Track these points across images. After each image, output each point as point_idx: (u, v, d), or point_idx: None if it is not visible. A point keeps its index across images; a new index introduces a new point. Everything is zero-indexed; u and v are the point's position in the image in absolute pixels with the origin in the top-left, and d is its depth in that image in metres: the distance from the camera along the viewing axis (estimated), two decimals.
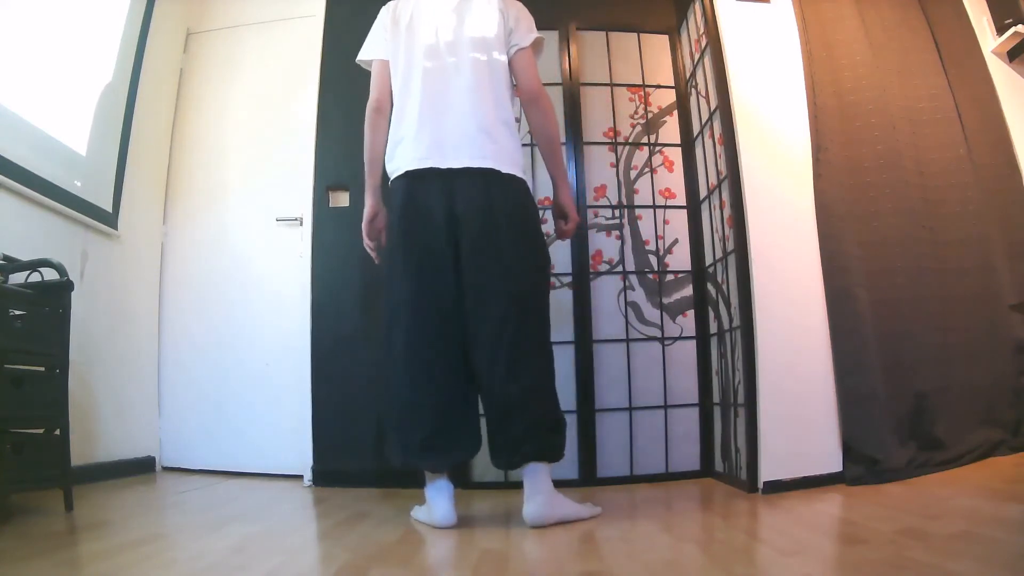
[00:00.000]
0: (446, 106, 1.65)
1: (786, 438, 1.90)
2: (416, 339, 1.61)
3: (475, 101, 1.65)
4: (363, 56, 1.80)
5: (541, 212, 1.98)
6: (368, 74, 1.80)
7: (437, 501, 1.59)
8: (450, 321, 1.61)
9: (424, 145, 1.63)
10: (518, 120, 1.78)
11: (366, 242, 1.78)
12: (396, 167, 1.68)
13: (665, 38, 2.55)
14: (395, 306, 1.65)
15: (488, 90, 1.67)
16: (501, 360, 1.58)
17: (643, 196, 2.42)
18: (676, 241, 2.41)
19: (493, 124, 1.65)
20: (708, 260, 2.33)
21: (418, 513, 1.67)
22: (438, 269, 1.61)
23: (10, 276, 1.71)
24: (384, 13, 1.80)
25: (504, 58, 1.71)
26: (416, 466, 1.63)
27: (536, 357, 1.63)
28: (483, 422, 1.66)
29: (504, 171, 1.64)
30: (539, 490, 1.56)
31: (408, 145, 1.66)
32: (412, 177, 1.64)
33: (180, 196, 2.75)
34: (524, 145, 1.80)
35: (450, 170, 1.62)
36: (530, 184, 1.84)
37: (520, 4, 1.80)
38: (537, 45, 1.77)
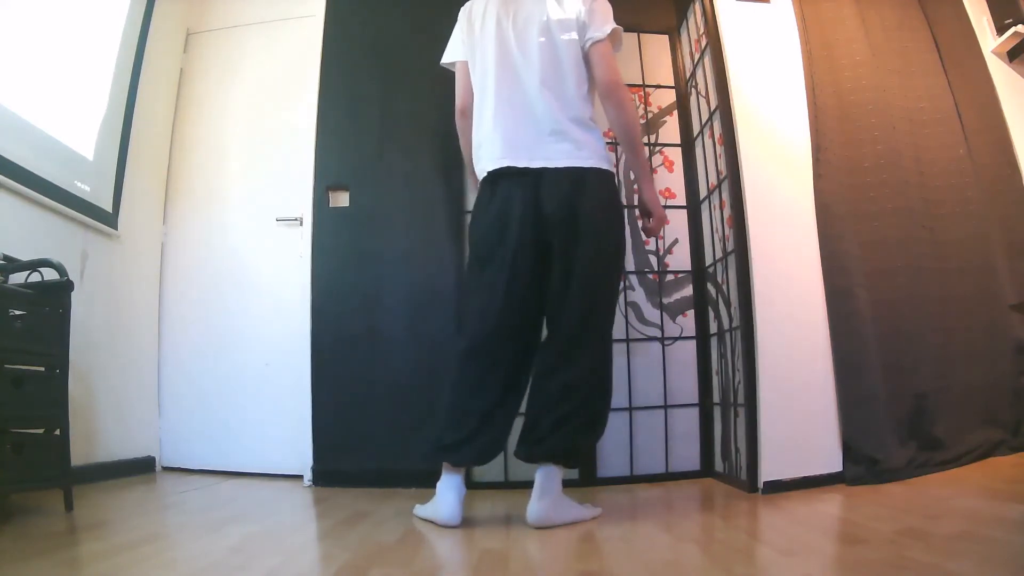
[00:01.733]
0: (519, 105, 1.66)
1: (786, 438, 1.90)
2: (478, 342, 1.63)
3: (549, 99, 1.64)
4: (445, 60, 1.83)
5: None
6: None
7: (446, 497, 1.59)
8: (513, 324, 1.63)
9: (499, 146, 1.65)
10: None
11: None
12: (480, 169, 1.71)
13: (665, 38, 2.56)
14: (468, 305, 1.69)
15: (561, 86, 1.66)
16: (563, 350, 1.61)
17: None
18: (676, 241, 2.41)
19: (566, 123, 1.64)
20: (708, 260, 2.33)
21: (421, 510, 1.67)
22: (519, 273, 1.62)
23: (10, 276, 1.71)
24: (461, 14, 1.81)
25: (579, 51, 1.68)
26: (441, 459, 1.64)
27: (593, 347, 1.64)
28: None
29: (584, 166, 1.63)
30: (548, 493, 1.56)
31: (486, 147, 1.68)
32: (494, 177, 1.66)
33: (180, 196, 2.74)
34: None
35: (529, 169, 1.62)
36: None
37: None
38: (615, 37, 1.70)
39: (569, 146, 1.63)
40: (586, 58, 1.68)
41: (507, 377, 1.63)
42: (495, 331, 1.62)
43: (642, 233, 1.85)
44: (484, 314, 1.64)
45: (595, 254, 1.62)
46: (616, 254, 1.71)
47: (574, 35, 1.67)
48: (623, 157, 1.74)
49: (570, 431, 1.59)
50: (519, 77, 1.67)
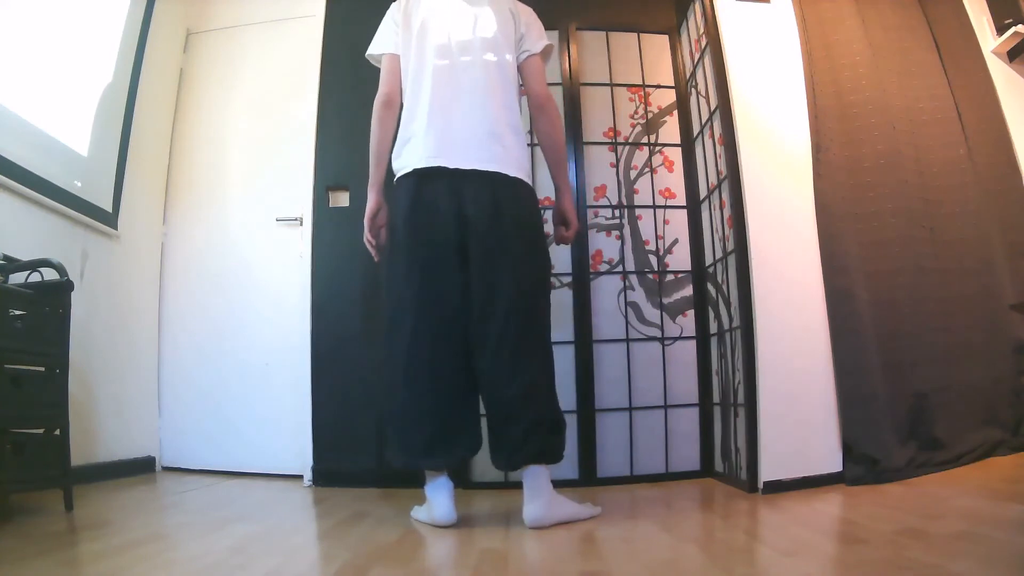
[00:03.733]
0: (456, 106, 1.66)
1: (786, 438, 1.90)
2: (419, 340, 1.61)
3: (485, 103, 1.66)
4: (373, 51, 1.80)
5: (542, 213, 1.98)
6: (374, 71, 1.79)
7: (437, 499, 1.60)
8: (453, 322, 1.62)
9: (433, 144, 1.63)
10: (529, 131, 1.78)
11: (367, 238, 1.78)
12: (403, 164, 1.68)
13: (665, 38, 2.55)
14: (397, 306, 1.65)
15: (498, 92, 1.68)
16: (503, 359, 1.59)
17: (643, 196, 2.42)
18: (676, 241, 2.41)
19: (501, 127, 1.66)
20: (708, 260, 2.33)
21: (418, 513, 1.67)
22: (443, 270, 1.61)
23: (10, 276, 1.71)
24: (394, 8, 1.80)
25: (514, 62, 1.74)
26: (417, 467, 1.63)
27: (537, 356, 1.63)
28: (484, 421, 1.66)
29: (511, 175, 1.64)
30: (539, 493, 1.56)
31: (417, 143, 1.65)
32: (420, 175, 1.64)
33: (180, 196, 2.75)
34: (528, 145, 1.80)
35: (458, 171, 1.62)
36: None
37: (531, 10, 1.82)
38: (547, 52, 1.79)
39: (500, 150, 1.64)
40: (520, 69, 1.76)
41: (455, 372, 1.62)
42: (433, 329, 1.60)
43: (556, 241, 1.86)
44: (420, 313, 1.61)
45: (526, 261, 1.63)
46: (546, 261, 1.73)
47: (512, 45, 1.73)
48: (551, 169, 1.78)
49: (543, 433, 1.59)
50: (458, 79, 1.67)
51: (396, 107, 1.73)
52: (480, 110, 1.65)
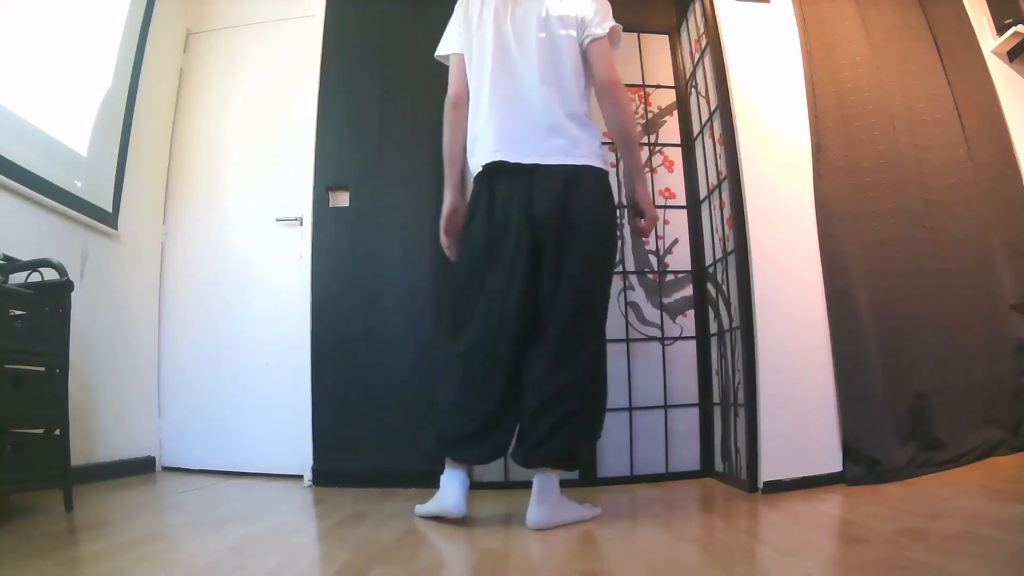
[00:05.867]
0: (515, 98, 1.65)
1: (786, 438, 1.90)
2: (483, 342, 1.61)
3: (545, 94, 1.63)
4: (440, 51, 1.81)
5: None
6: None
7: (450, 487, 1.59)
8: (517, 325, 1.61)
9: (494, 139, 1.63)
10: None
11: (443, 240, 1.79)
12: (475, 164, 1.69)
13: (665, 38, 2.55)
14: (468, 304, 1.66)
15: (559, 82, 1.65)
16: (555, 351, 1.58)
17: None
18: (676, 241, 2.41)
19: (561, 119, 1.63)
20: (708, 260, 2.33)
21: (424, 508, 1.66)
22: (513, 270, 1.61)
23: (10, 276, 1.71)
24: (458, 8, 1.80)
25: (577, 47, 1.68)
26: (447, 456, 1.62)
27: (586, 351, 1.62)
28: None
29: (578, 164, 1.62)
30: (546, 498, 1.55)
31: (484, 140, 1.66)
32: (489, 172, 1.64)
33: (180, 196, 2.74)
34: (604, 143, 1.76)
35: (524, 166, 1.61)
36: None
37: None
38: (614, 35, 1.71)
39: (564, 142, 1.62)
40: (584, 55, 1.68)
41: (511, 378, 1.62)
42: (500, 332, 1.61)
43: (631, 234, 1.84)
44: (490, 315, 1.62)
45: (588, 253, 1.61)
46: (609, 254, 1.71)
47: (573, 31, 1.67)
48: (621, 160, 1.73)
49: (569, 433, 1.58)
50: (516, 71, 1.66)
51: (464, 107, 1.73)
52: (540, 102, 1.63)
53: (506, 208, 1.62)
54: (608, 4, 1.72)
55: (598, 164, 1.65)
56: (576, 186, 1.60)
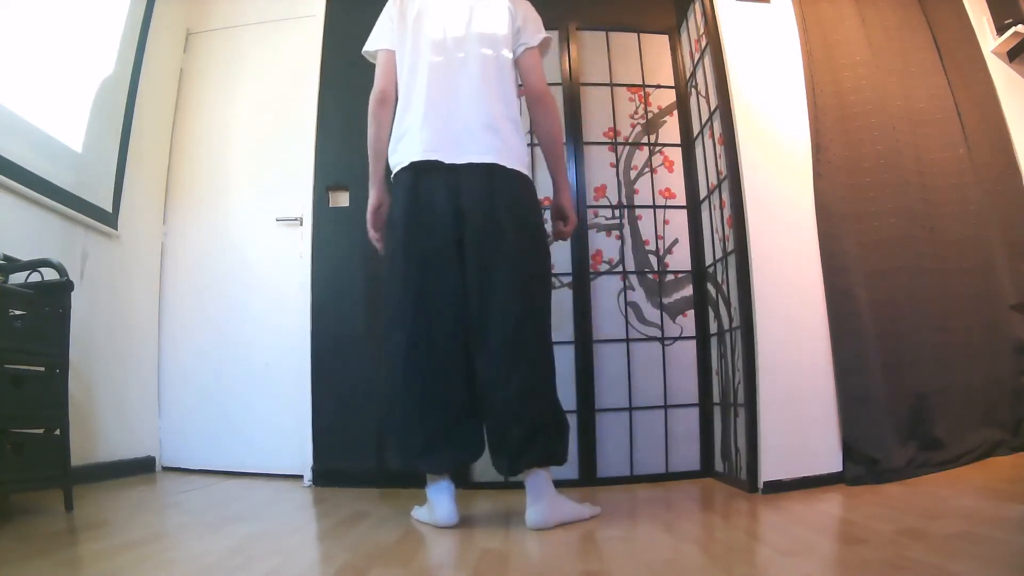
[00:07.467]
0: (452, 100, 1.65)
1: (786, 438, 1.90)
2: (418, 339, 1.60)
3: (481, 97, 1.65)
4: (369, 47, 1.79)
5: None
6: (370, 68, 1.79)
7: (439, 501, 1.59)
8: (453, 320, 1.60)
9: (428, 138, 1.62)
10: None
11: (371, 233, 1.78)
12: (400, 159, 1.67)
13: (665, 38, 2.55)
14: (397, 304, 1.64)
15: (495, 86, 1.67)
16: (500, 359, 1.57)
17: (643, 196, 2.42)
18: (676, 241, 2.41)
19: (498, 120, 1.64)
20: (708, 260, 2.33)
21: (419, 513, 1.67)
22: (441, 268, 1.60)
23: (10, 276, 1.71)
24: (391, 5, 1.79)
25: (511, 56, 1.72)
26: (417, 468, 1.62)
27: (536, 355, 1.61)
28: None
29: (509, 166, 1.63)
30: (541, 496, 1.55)
31: (413, 137, 1.64)
32: (416, 170, 1.63)
33: (180, 196, 2.75)
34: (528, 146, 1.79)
35: (454, 165, 1.61)
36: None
37: (528, 3, 1.80)
38: (544, 45, 1.77)
39: (498, 142, 1.63)
40: (517, 63, 1.74)
41: (458, 372, 1.60)
42: (436, 325, 1.59)
43: (554, 237, 1.85)
44: (419, 309, 1.59)
45: (524, 256, 1.61)
46: (546, 256, 1.71)
47: (508, 39, 1.71)
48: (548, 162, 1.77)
49: (545, 439, 1.57)
50: (455, 74, 1.67)
51: (391, 103, 1.72)
52: (476, 104, 1.64)
53: (430, 205, 1.60)
54: (539, 16, 1.79)
55: (525, 172, 1.68)
56: (505, 184, 1.62)
